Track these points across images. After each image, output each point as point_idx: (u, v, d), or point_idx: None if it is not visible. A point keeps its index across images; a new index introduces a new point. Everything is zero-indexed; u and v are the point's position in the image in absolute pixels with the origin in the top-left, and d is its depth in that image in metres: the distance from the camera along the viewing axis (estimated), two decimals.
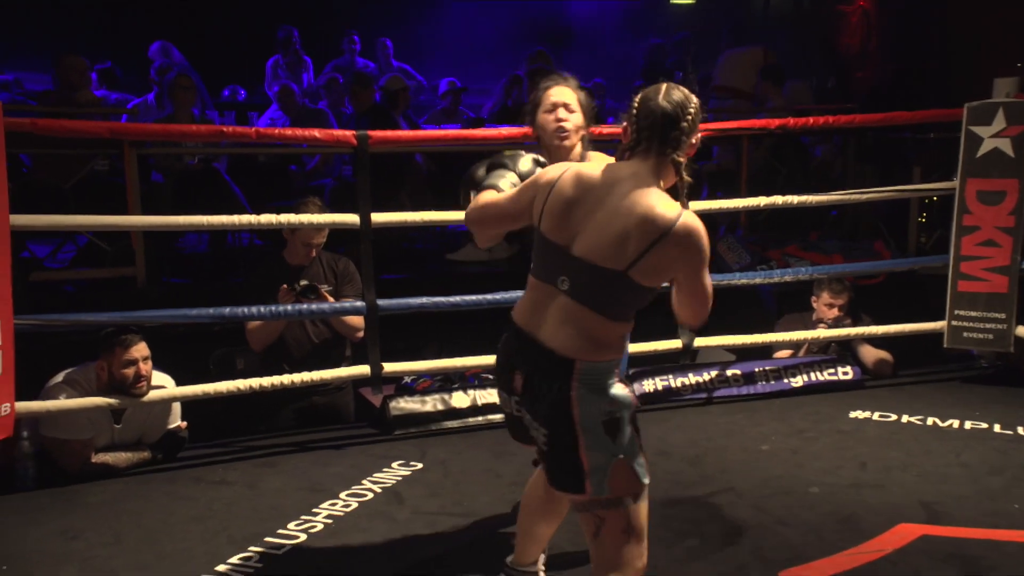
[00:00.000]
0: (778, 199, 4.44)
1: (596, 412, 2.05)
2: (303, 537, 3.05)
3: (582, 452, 2.05)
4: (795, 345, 4.73)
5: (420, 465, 3.68)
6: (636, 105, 2.11)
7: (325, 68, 8.16)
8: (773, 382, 4.49)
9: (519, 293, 4.31)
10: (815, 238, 6.33)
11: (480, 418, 4.13)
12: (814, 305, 4.70)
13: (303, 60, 8.25)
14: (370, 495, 3.39)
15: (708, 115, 7.13)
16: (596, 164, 2.14)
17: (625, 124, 2.13)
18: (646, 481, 2.12)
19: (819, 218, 6.67)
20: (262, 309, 3.76)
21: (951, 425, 4.00)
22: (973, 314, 4.45)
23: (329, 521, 3.17)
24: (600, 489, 2.06)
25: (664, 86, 2.12)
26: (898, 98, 6.55)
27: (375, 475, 3.57)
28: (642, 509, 2.13)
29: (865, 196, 4.70)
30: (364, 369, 3.97)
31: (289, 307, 3.83)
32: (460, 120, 7.30)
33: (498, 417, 4.12)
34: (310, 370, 3.86)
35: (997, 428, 3.94)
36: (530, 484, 2.52)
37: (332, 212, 4.05)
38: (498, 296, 4.16)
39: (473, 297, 4.13)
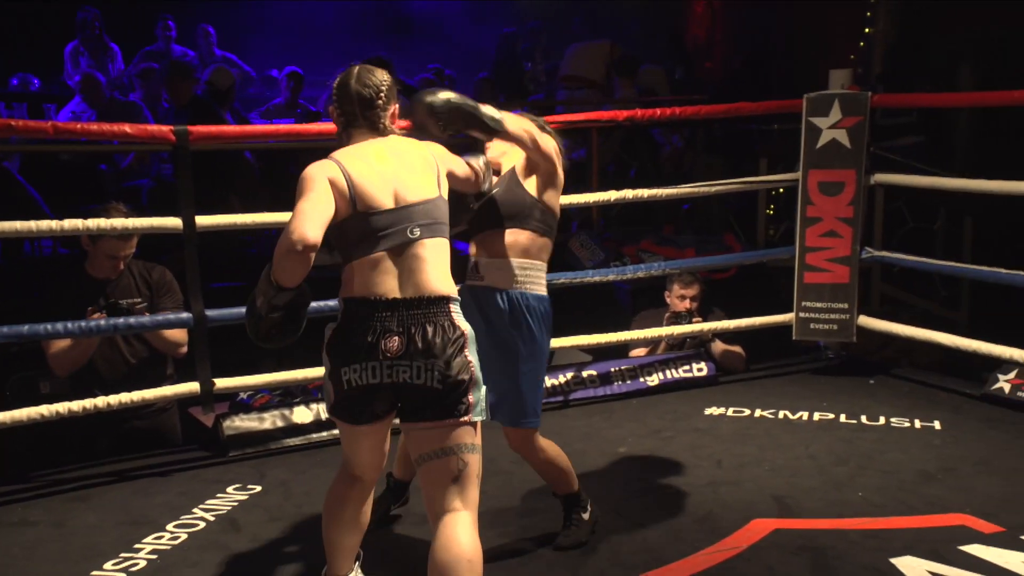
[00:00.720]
0: (628, 193, 4.58)
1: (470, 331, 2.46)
2: None
3: (472, 371, 2.42)
4: (651, 342, 4.91)
5: (258, 488, 3.58)
6: (336, 91, 2.51)
7: (135, 57, 7.82)
8: (629, 382, 4.64)
9: None
10: (669, 232, 6.59)
11: (325, 433, 4.06)
12: (667, 300, 4.90)
13: (109, 47, 7.86)
14: (202, 524, 3.27)
15: (557, 107, 7.36)
16: (356, 148, 2.49)
17: (332, 109, 2.55)
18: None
19: (673, 212, 6.96)
20: (69, 325, 3.55)
21: (800, 417, 4.25)
22: (819, 305, 4.76)
23: (153, 557, 3.03)
24: (477, 410, 2.42)
25: (356, 70, 2.52)
26: (745, 89, 6.92)
27: (207, 502, 3.45)
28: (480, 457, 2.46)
29: (713, 189, 4.94)
30: (193, 386, 3.83)
31: (102, 322, 3.64)
32: (297, 114, 7.19)
33: None
34: (127, 392, 3.68)
35: (843, 418, 4.22)
36: (331, 495, 2.63)
37: (151, 215, 3.88)
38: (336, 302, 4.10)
39: (314, 304, 4.05)
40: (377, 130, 2.52)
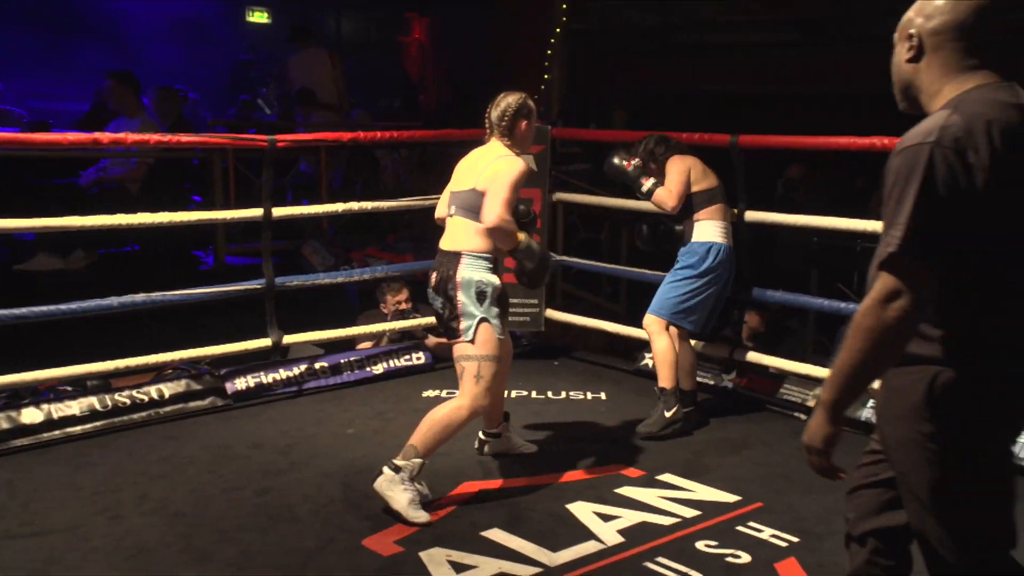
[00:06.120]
0: (354, 205, 4.53)
1: (471, 284, 3.03)
2: None
3: (459, 308, 3.04)
4: (375, 336, 4.86)
5: None
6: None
7: None
8: (357, 371, 4.56)
9: (98, 302, 3.88)
10: (392, 240, 6.57)
11: (58, 432, 3.62)
12: (383, 310, 4.90)
13: None
14: None
15: (299, 127, 7.07)
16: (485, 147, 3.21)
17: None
18: (501, 337, 3.08)
19: (393, 222, 6.95)
20: None
21: None
22: (515, 301, 4.93)
23: None
24: (468, 334, 3.03)
25: (503, 94, 3.18)
26: (455, 118, 7.07)
27: None
28: (490, 367, 3.05)
29: (427, 202, 4.97)
30: None
31: None
32: (23, 124, 6.34)
33: (77, 429, 3.66)
34: None
35: (534, 394, 4.42)
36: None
37: None
38: (74, 306, 3.68)
39: (45, 308, 3.61)
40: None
